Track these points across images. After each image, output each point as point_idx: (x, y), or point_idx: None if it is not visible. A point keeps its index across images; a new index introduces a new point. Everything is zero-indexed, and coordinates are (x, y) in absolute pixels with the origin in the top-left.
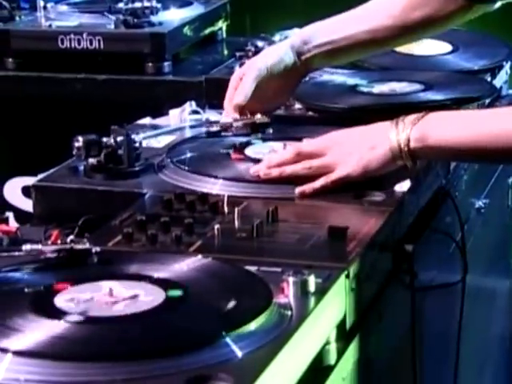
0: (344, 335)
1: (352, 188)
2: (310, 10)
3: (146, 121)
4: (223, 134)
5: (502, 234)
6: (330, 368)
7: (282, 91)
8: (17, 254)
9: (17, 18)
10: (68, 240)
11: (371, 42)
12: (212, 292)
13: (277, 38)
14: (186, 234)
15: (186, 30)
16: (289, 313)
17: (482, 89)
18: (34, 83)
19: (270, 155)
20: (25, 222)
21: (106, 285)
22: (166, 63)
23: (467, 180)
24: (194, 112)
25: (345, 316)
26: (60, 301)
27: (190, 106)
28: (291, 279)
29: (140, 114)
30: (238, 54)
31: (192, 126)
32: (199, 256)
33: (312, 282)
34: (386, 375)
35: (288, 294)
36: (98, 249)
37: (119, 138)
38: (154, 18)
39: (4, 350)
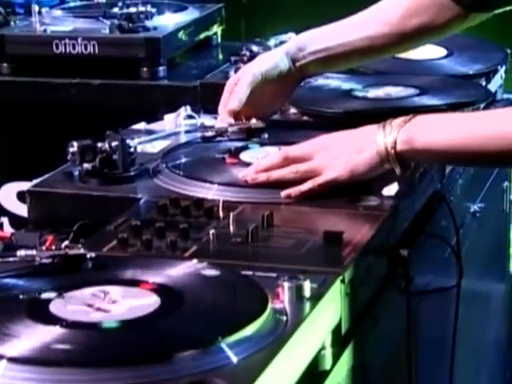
0: (339, 340)
1: (341, 192)
2: (306, 14)
3: (141, 126)
4: (219, 138)
5: (497, 238)
6: (326, 373)
7: (276, 97)
8: (11, 259)
9: (11, 23)
10: (63, 245)
11: (368, 50)
12: (207, 297)
13: (272, 42)
14: (181, 239)
15: (181, 35)
16: (284, 318)
17: (477, 93)
18: (29, 88)
19: (259, 160)
20: (20, 227)
21: (100, 290)
22: (160, 68)
23: (462, 184)
24: (189, 117)
25: (340, 321)
26: (55, 307)
27: (185, 110)
28: (286, 284)
29: (135, 118)
30: (233, 58)
31: (187, 131)
32: (195, 261)
33: (307, 287)
34: (381, 380)
35: (283, 299)
36: (92, 254)
37: (114, 143)
38: (148, 23)
39: None
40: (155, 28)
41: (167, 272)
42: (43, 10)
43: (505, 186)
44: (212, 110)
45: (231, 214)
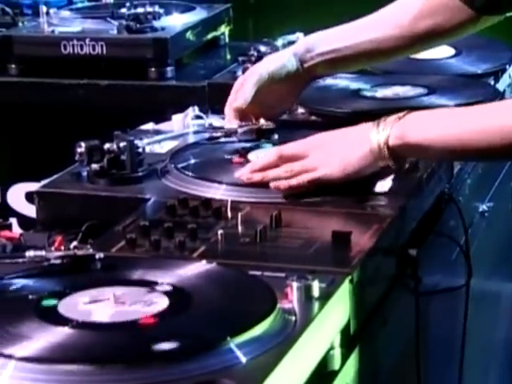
0: (348, 340)
1: (336, 190)
2: (313, 14)
3: (149, 126)
4: (228, 139)
5: (506, 237)
6: (335, 373)
7: (284, 97)
8: (20, 260)
9: (19, 24)
10: (71, 246)
11: (376, 52)
12: (216, 297)
13: (280, 42)
14: (189, 239)
15: (189, 35)
16: (293, 318)
17: (485, 92)
18: (37, 89)
19: (254, 159)
20: (28, 228)
21: (109, 291)
22: (168, 68)
23: (471, 184)
24: (197, 117)
25: (349, 321)
26: (64, 307)
27: (192, 111)
28: (295, 284)
29: (143, 119)
30: (240, 58)
31: (195, 132)
32: (203, 261)
33: (316, 287)
34: (390, 380)
35: (292, 299)
36: (101, 255)
37: (122, 144)
38: (156, 23)
39: (8, 357)
40: (163, 28)
41: (176, 272)
42: (51, 10)
43: None
44: (220, 110)
45: (239, 214)
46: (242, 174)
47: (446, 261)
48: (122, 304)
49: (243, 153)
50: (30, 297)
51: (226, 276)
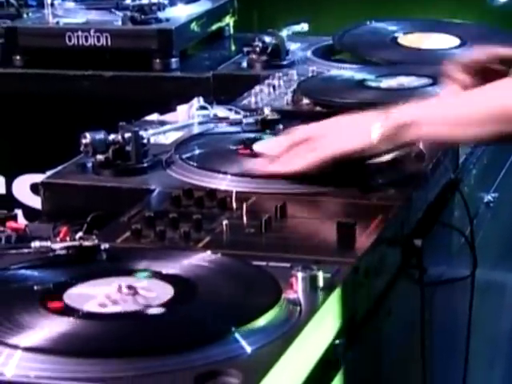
0: (353, 330)
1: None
2: (318, 5)
3: (154, 117)
4: (232, 130)
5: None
6: (339, 363)
7: None
8: (26, 251)
9: (24, 16)
10: (77, 237)
11: None
12: (221, 288)
13: (284, 33)
14: (194, 230)
15: (194, 26)
16: (298, 308)
17: None
18: (42, 80)
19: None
20: (33, 219)
21: (115, 281)
22: (173, 59)
23: (476, 174)
24: (202, 108)
25: (354, 311)
26: (69, 298)
27: (197, 101)
28: (300, 274)
29: (148, 110)
30: (245, 49)
31: (200, 123)
32: (208, 252)
33: (321, 277)
34: (394, 370)
35: (297, 290)
36: (106, 245)
37: (127, 135)
38: (161, 15)
39: (14, 347)
40: (167, 19)
41: (181, 263)
42: (56, 2)
43: None
44: (224, 101)
45: (244, 205)
46: (261, 165)
47: (451, 251)
48: (126, 295)
49: (248, 143)
50: (36, 287)
51: (230, 266)
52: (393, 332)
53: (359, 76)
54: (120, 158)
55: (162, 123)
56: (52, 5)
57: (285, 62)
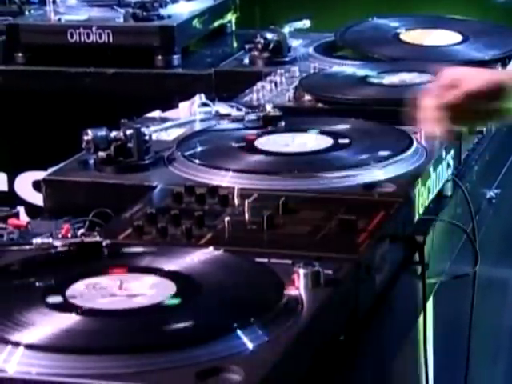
0: (355, 326)
1: None
2: (319, 1)
3: (156, 114)
4: (234, 126)
5: None
6: (342, 359)
7: None
8: (28, 247)
9: (26, 13)
10: (79, 233)
11: None
12: (223, 284)
13: (286, 29)
14: (196, 226)
15: (195, 23)
16: (299, 305)
17: None
18: (44, 77)
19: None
20: (35, 216)
21: (116, 278)
22: (175, 56)
23: (478, 170)
24: (204, 104)
25: (356, 307)
26: (71, 294)
27: (199, 98)
28: (302, 271)
29: (149, 107)
30: (247, 46)
31: (202, 119)
32: (210, 248)
33: (322, 273)
34: (396, 365)
35: (299, 286)
36: (108, 242)
37: (129, 131)
38: (163, 11)
39: (16, 344)
40: (169, 16)
41: (183, 260)
42: None
43: None
44: (226, 98)
45: (246, 202)
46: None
47: (452, 247)
48: (128, 291)
49: (250, 140)
50: (37, 284)
51: (233, 263)
52: (394, 327)
53: (361, 72)
54: (122, 154)
55: (164, 120)
56: (54, 2)
57: (287, 59)
